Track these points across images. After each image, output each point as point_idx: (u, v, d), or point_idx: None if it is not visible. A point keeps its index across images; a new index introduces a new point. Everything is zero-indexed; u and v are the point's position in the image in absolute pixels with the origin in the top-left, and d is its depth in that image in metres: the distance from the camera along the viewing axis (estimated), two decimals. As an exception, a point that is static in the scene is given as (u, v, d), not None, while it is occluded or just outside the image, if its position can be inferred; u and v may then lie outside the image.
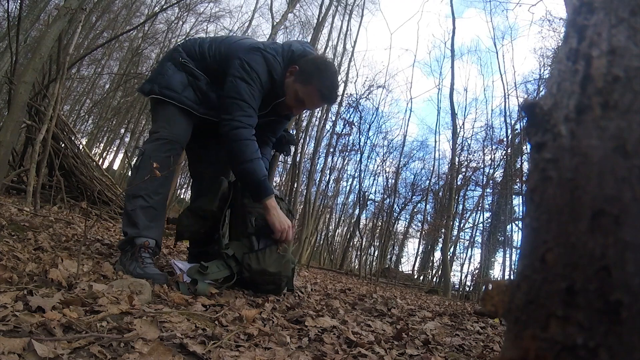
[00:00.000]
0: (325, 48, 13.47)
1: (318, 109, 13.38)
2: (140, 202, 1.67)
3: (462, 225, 16.27)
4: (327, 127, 14.26)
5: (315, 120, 14.04)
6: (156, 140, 1.72)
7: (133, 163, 1.99)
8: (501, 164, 14.87)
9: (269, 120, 1.99)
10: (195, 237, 1.94)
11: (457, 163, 14.32)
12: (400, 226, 20.62)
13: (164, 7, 11.91)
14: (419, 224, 19.36)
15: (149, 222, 1.67)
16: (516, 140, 14.21)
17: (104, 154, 17.85)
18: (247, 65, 1.67)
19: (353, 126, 15.35)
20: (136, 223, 1.65)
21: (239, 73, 1.67)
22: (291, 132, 2.61)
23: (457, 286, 13.31)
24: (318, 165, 14.42)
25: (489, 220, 16.19)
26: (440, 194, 17.26)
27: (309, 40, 9.89)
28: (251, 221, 1.74)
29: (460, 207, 16.39)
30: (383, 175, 18.23)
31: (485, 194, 15.95)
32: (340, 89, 14.92)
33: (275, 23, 11.39)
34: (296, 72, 1.74)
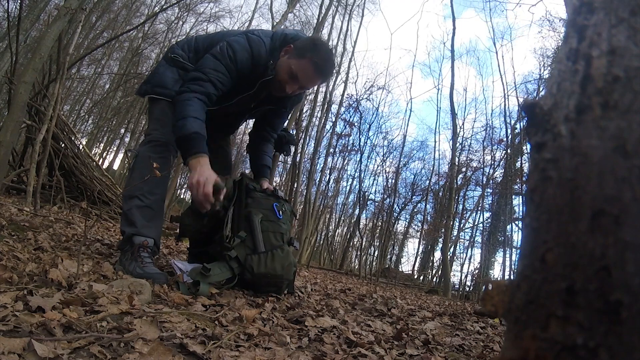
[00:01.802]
0: (325, 48, 13.44)
1: (318, 109, 13.39)
2: (136, 202, 1.67)
3: (462, 225, 16.29)
4: (327, 127, 14.28)
5: (315, 120, 14.05)
6: (149, 143, 1.74)
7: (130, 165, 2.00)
8: (501, 164, 14.88)
9: (266, 110, 1.98)
10: (196, 236, 1.94)
11: (457, 163, 14.32)
12: (400, 226, 20.65)
13: (164, 7, 11.92)
14: (419, 224, 19.37)
15: (146, 221, 1.68)
16: (516, 140, 14.22)
17: (104, 154, 17.86)
18: (227, 45, 1.69)
19: (353, 126, 15.36)
20: (133, 222, 1.66)
21: (214, 50, 1.70)
22: (291, 132, 2.60)
23: (457, 286, 13.32)
24: (318, 165, 14.43)
25: (489, 220, 16.20)
26: (440, 194, 17.27)
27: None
28: (255, 222, 1.74)
29: (460, 207, 16.40)
30: (383, 175, 18.26)
31: (485, 194, 15.95)
32: (340, 89, 14.94)
33: (275, 23, 11.39)
34: (291, 50, 1.74)
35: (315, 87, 13.39)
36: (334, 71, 1.87)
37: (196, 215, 1.81)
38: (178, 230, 1.92)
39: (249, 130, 2.19)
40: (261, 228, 1.74)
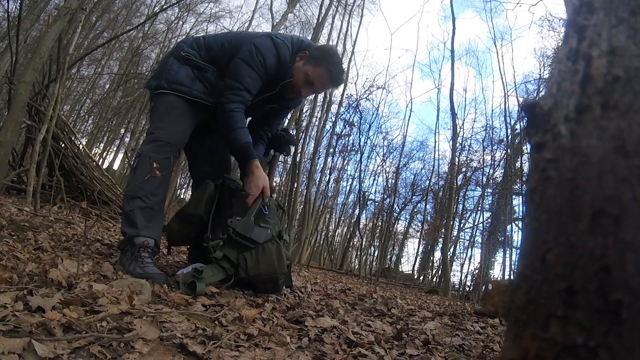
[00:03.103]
0: (325, 48, 13.43)
1: (318, 109, 13.39)
2: (138, 203, 1.67)
3: (462, 225, 16.26)
4: (327, 127, 14.28)
5: (315, 120, 14.05)
6: (153, 142, 1.73)
7: (131, 164, 2.00)
8: (501, 164, 14.87)
9: (269, 109, 2.00)
10: (186, 242, 1.94)
11: (457, 163, 14.32)
12: (400, 226, 20.64)
13: (164, 7, 11.91)
14: (419, 224, 19.36)
15: (147, 222, 1.68)
16: (516, 140, 14.22)
17: (104, 154, 17.85)
18: (255, 49, 1.75)
19: (353, 126, 15.36)
20: (134, 223, 1.65)
21: (244, 55, 1.75)
22: (291, 132, 2.60)
23: (457, 286, 13.31)
24: (318, 165, 14.42)
25: (489, 220, 16.19)
26: (440, 194, 17.26)
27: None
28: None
29: (460, 207, 16.39)
30: (383, 175, 18.24)
31: (485, 194, 15.94)
32: (340, 89, 14.94)
33: (275, 23, 11.40)
34: (306, 57, 1.83)
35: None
36: (344, 79, 2.00)
37: (182, 221, 1.81)
38: (167, 239, 1.91)
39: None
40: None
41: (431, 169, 17.53)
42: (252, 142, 1.77)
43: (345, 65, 13.75)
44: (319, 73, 1.81)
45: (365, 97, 15.87)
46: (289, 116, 2.34)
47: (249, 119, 2.17)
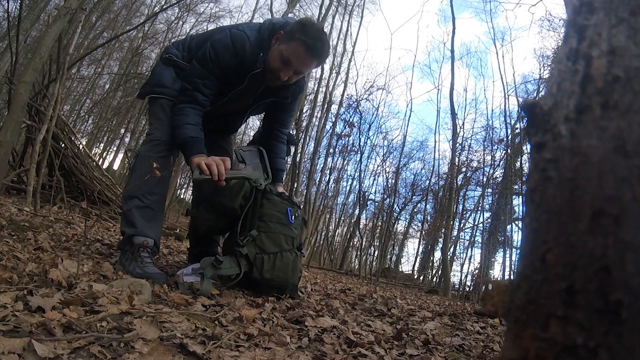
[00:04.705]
0: (325, 48, 13.44)
1: (318, 109, 13.38)
2: (135, 203, 1.67)
3: (462, 225, 16.27)
4: (327, 127, 14.29)
5: (315, 120, 14.05)
6: (150, 142, 1.74)
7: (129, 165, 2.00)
8: (501, 164, 14.88)
9: (268, 104, 1.97)
10: (210, 232, 1.93)
11: (457, 163, 14.33)
12: (400, 226, 20.66)
13: (164, 7, 11.93)
14: (419, 224, 19.38)
15: (146, 221, 1.68)
16: (516, 140, 14.23)
17: (104, 154, 17.86)
18: (210, 48, 1.72)
19: (353, 127, 15.37)
20: (133, 222, 1.66)
21: (200, 55, 1.74)
22: (291, 132, 2.60)
23: (457, 286, 13.32)
24: (318, 165, 14.44)
25: (489, 220, 16.19)
26: (440, 194, 17.26)
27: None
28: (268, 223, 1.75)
29: (460, 207, 16.40)
30: (383, 175, 18.27)
31: (485, 194, 15.95)
32: (340, 89, 14.95)
33: (275, 23, 11.39)
34: (281, 36, 1.72)
35: (315, 87, 13.39)
36: (328, 51, 1.79)
37: (215, 211, 1.78)
38: (190, 219, 1.90)
39: (254, 133, 2.18)
40: (273, 229, 1.74)
41: (431, 169, 17.57)
42: (198, 139, 1.67)
43: (341, 73, 13.75)
44: (292, 48, 1.66)
45: (366, 98, 15.89)
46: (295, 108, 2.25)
47: (259, 126, 2.15)
